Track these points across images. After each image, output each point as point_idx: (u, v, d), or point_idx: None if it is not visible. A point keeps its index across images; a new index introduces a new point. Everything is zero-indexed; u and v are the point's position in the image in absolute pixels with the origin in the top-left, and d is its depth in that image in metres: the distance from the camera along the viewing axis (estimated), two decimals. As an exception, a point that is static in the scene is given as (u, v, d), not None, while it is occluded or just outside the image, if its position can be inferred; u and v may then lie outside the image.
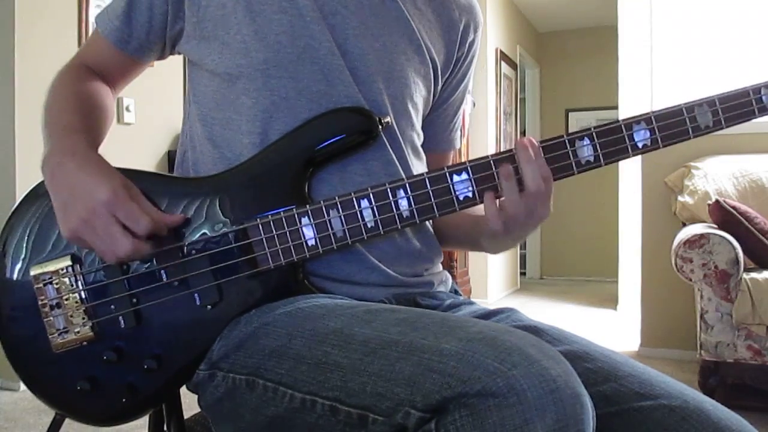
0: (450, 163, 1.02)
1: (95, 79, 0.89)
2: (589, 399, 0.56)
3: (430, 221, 0.94)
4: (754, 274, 2.36)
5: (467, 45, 0.96)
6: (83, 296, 0.76)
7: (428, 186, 0.78)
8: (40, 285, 0.76)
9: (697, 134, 0.79)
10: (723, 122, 0.79)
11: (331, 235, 0.77)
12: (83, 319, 0.76)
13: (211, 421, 0.80)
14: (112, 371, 0.76)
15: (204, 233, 0.77)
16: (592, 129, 0.78)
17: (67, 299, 0.76)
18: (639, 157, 3.31)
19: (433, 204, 0.77)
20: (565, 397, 0.53)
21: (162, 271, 0.76)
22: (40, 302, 0.76)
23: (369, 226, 0.77)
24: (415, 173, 0.86)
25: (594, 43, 6.33)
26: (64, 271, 0.76)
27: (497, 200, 0.78)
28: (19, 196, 0.81)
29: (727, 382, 2.41)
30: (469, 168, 0.78)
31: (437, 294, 0.89)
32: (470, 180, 0.77)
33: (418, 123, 0.91)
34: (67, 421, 0.82)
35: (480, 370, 0.54)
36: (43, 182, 0.78)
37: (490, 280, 5.11)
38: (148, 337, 0.76)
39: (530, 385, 0.53)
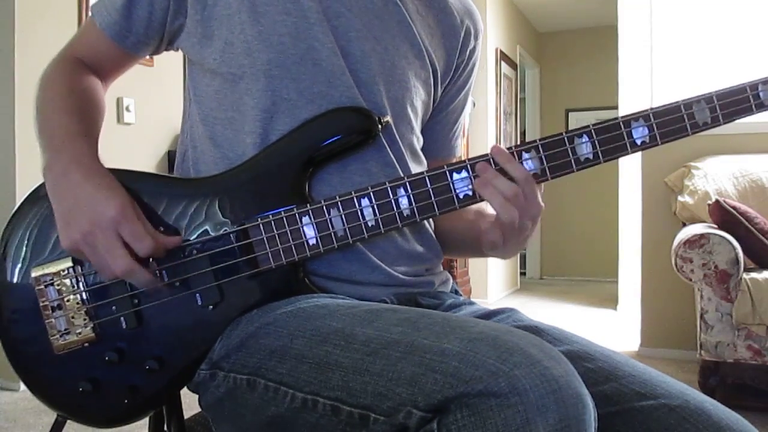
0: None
1: (88, 73, 0.88)
2: (591, 399, 0.56)
3: (433, 226, 0.94)
4: (754, 274, 2.37)
5: (468, 52, 0.96)
6: (84, 297, 0.76)
7: (428, 184, 0.78)
8: (42, 286, 0.76)
9: (696, 131, 0.79)
10: (721, 118, 0.79)
11: (332, 234, 0.77)
12: (84, 320, 0.76)
13: (212, 421, 0.80)
14: (114, 372, 0.76)
15: (205, 233, 0.77)
16: (591, 126, 0.79)
17: (68, 300, 0.76)
18: (639, 157, 3.31)
19: (434, 202, 0.78)
20: (566, 397, 0.53)
21: (163, 272, 0.76)
22: (41, 303, 0.76)
23: (370, 224, 0.77)
24: None
25: (594, 43, 6.33)
26: (66, 272, 0.76)
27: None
28: (20, 197, 0.81)
29: (727, 382, 2.41)
30: (468, 166, 0.78)
31: (438, 294, 0.89)
32: (470, 178, 0.78)
33: (417, 127, 0.91)
34: (68, 421, 0.81)
35: (482, 370, 0.54)
36: (43, 184, 0.78)
37: (490, 280, 5.11)
38: (149, 337, 0.76)
39: (532, 385, 0.53)
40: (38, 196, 0.79)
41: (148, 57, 0.92)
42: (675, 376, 0.74)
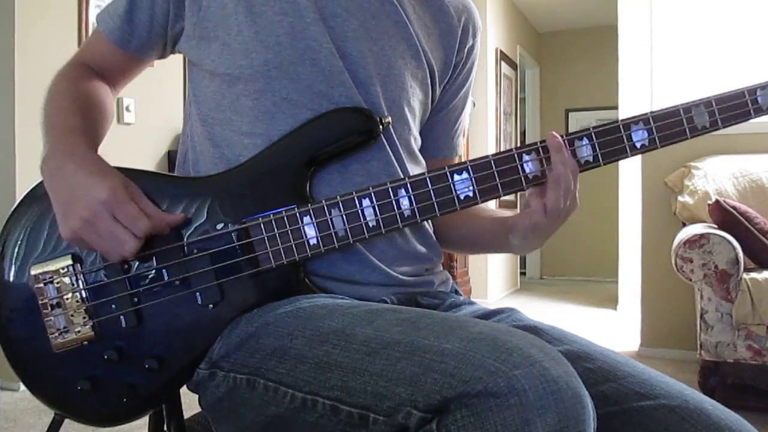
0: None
1: (95, 78, 0.89)
2: (590, 399, 0.56)
3: (433, 222, 0.94)
4: (754, 274, 2.37)
5: (466, 50, 0.96)
6: (84, 295, 0.76)
7: (429, 185, 0.78)
8: (41, 284, 0.76)
9: (695, 134, 0.80)
10: (719, 123, 0.80)
11: (333, 234, 0.77)
12: (84, 318, 0.76)
13: (212, 421, 0.80)
14: (113, 371, 0.76)
15: (205, 232, 0.77)
16: (591, 129, 0.79)
17: (67, 299, 0.76)
18: (639, 158, 3.31)
19: (434, 203, 0.78)
20: (566, 398, 0.53)
21: (163, 270, 0.76)
22: (40, 302, 0.76)
23: (371, 225, 0.77)
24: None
25: (594, 43, 6.33)
26: (65, 270, 0.76)
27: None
28: (19, 196, 0.81)
29: (727, 382, 2.41)
30: (469, 167, 0.78)
31: (438, 293, 0.89)
32: (471, 179, 0.78)
33: (415, 127, 0.91)
34: (67, 421, 0.81)
35: (481, 370, 0.54)
36: (41, 183, 0.78)
37: (490, 280, 5.11)
38: (149, 336, 0.76)
39: (531, 385, 0.53)
40: (36, 194, 0.79)
41: (156, 60, 0.93)
42: (675, 376, 0.74)
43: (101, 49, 0.89)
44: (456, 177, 0.78)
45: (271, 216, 0.77)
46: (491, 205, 0.91)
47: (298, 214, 0.77)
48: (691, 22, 3.26)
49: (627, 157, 0.80)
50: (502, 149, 0.79)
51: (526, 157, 0.78)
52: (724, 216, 2.55)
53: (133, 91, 2.92)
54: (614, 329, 4.01)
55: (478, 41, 0.99)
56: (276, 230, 0.77)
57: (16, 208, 0.80)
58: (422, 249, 0.88)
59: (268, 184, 0.79)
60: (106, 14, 0.87)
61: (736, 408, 0.72)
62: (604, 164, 0.80)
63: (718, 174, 2.88)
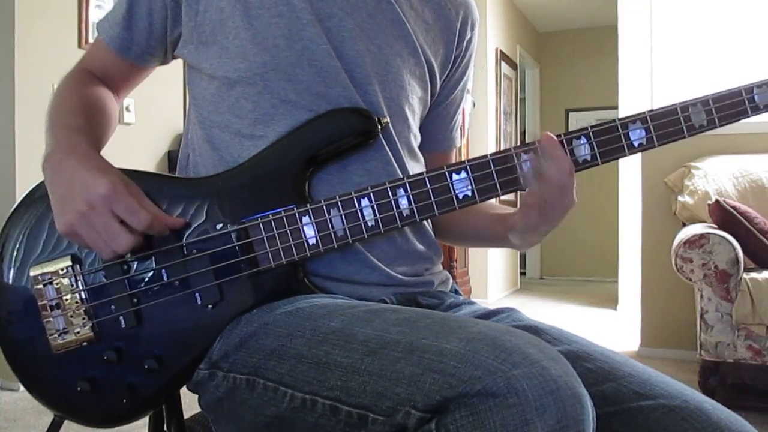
0: (451, 162, 1.02)
1: (98, 84, 0.90)
2: (590, 399, 0.56)
3: (432, 222, 0.94)
4: (754, 274, 2.37)
5: (465, 43, 0.96)
6: (83, 296, 0.76)
7: (428, 185, 0.78)
8: (40, 285, 0.76)
9: (692, 133, 0.80)
10: (716, 121, 0.80)
11: (332, 233, 0.77)
12: (83, 319, 0.76)
13: (211, 421, 0.80)
14: (113, 372, 0.76)
15: (205, 232, 0.77)
16: (589, 128, 0.79)
17: (67, 299, 0.76)
18: (639, 158, 3.32)
19: (433, 203, 0.78)
20: (565, 398, 0.53)
21: (163, 271, 0.76)
22: (39, 303, 0.76)
23: (369, 224, 0.77)
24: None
25: (594, 43, 6.34)
26: (64, 271, 0.76)
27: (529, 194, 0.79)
28: (19, 196, 0.81)
29: (727, 382, 2.41)
30: (468, 167, 0.78)
31: (438, 293, 0.89)
32: (469, 179, 0.78)
33: (415, 125, 0.91)
34: (67, 421, 0.81)
35: (480, 370, 0.54)
36: (41, 184, 0.79)
37: (490, 280, 5.11)
38: (148, 337, 0.76)
39: (530, 385, 0.53)
40: (36, 195, 0.80)
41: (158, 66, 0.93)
42: (675, 376, 0.74)
43: (103, 56, 0.90)
44: (455, 176, 0.78)
45: (270, 216, 0.77)
46: (493, 201, 0.91)
47: (297, 215, 0.77)
48: (691, 22, 3.26)
49: (625, 156, 0.80)
50: (501, 149, 0.78)
51: (524, 157, 0.78)
52: (724, 216, 2.55)
53: (133, 92, 2.91)
54: (614, 329, 4.01)
55: (476, 34, 0.99)
56: (275, 230, 0.77)
57: (15, 209, 0.80)
58: (422, 248, 0.89)
59: (267, 184, 0.79)
60: (106, 22, 0.88)
61: (736, 408, 0.72)
62: (602, 163, 0.80)
63: (718, 174, 2.88)
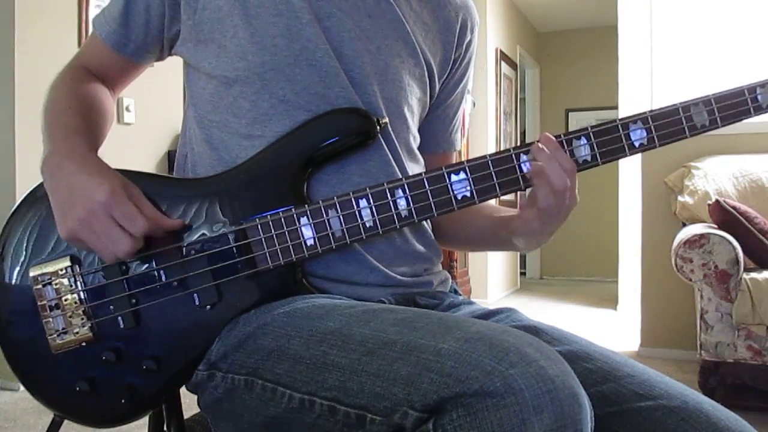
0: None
1: (94, 80, 0.90)
2: (587, 399, 0.56)
3: (435, 220, 0.94)
4: (754, 274, 2.36)
5: (464, 46, 0.96)
6: (82, 297, 0.76)
7: (426, 186, 0.78)
8: (39, 286, 0.76)
9: (694, 133, 0.79)
10: (719, 121, 0.79)
11: (330, 234, 0.77)
12: (82, 319, 0.76)
13: (211, 422, 0.80)
14: (112, 372, 0.76)
15: (203, 234, 0.77)
16: (589, 128, 0.79)
17: (66, 300, 0.76)
18: (639, 158, 3.31)
19: (431, 203, 0.78)
20: (562, 397, 0.53)
21: (161, 272, 0.76)
22: (38, 303, 0.76)
23: (367, 225, 0.77)
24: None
25: (594, 43, 6.33)
26: (63, 271, 0.76)
27: (528, 197, 0.78)
28: (19, 197, 0.81)
29: (727, 382, 2.40)
30: (467, 168, 0.78)
31: (437, 293, 0.89)
32: (468, 180, 0.78)
33: (414, 125, 0.91)
34: (67, 421, 0.81)
35: (478, 369, 0.54)
36: (41, 184, 0.78)
37: (490, 280, 5.11)
38: (147, 337, 0.76)
39: (528, 384, 0.53)
40: (36, 195, 0.79)
41: (154, 63, 0.93)
42: (675, 376, 0.74)
43: (99, 52, 0.89)
44: (453, 177, 0.78)
45: (269, 217, 0.77)
46: (493, 202, 0.91)
47: (295, 215, 0.77)
48: (691, 22, 3.26)
49: (626, 156, 0.79)
50: (501, 149, 0.78)
51: (523, 157, 0.78)
52: (724, 216, 2.55)
53: (133, 91, 2.92)
54: (614, 329, 4.01)
55: (476, 36, 0.99)
56: (273, 231, 0.77)
57: (16, 210, 0.80)
58: (421, 249, 0.88)
59: (266, 185, 0.79)
60: (103, 18, 0.87)
61: (735, 408, 0.72)
62: (603, 164, 0.80)
63: (718, 174, 2.87)
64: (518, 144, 0.80)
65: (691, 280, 2.43)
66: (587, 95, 6.51)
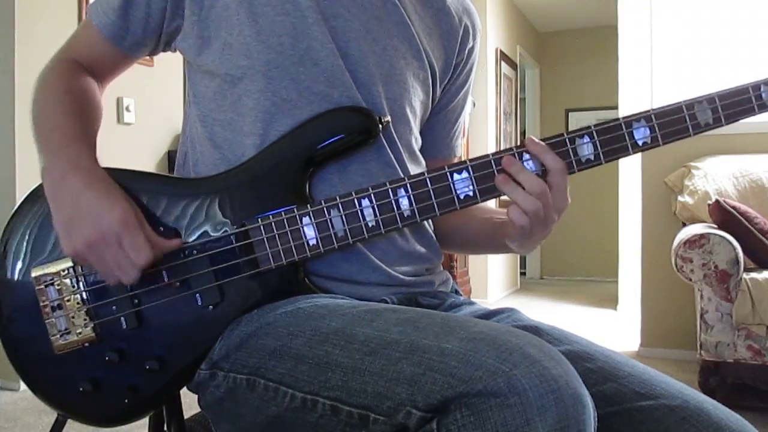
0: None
1: (85, 75, 0.87)
2: (590, 399, 0.56)
3: (433, 224, 0.94)
4: (754, 274, 2.36)
5: (466, 51, 0.96)
6: (85, 297, 0.76)
7: (429, 185, 0.78)
8: (42, 286, 0.76)
9: (697, 131, 0.79)
10: (723, 119, 0.79)
11: (333, 234, 0.77)
12: (85, 320, 0.76)
13: (212, 421, 0.80)
14: (114, 372, 0.76)
15: (205, 234, 0.77)
16: (592, 127, 0.78)
17: (68, 300, 0.76)
18: (639, 157, 3.31)
19: (434, 203, 0.78)
20: (566, 397, 0.53)
21: (163, 272, 0.76)
22: (41, 303, 0.76)
23: (370, 225, 0.77)
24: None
25: (594, 43, 6.33)
26: (66, 272, 0.76)
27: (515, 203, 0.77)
28: (20, 197, 0.81)
29: (727, 382, 2.40)
30: (469, 167, 0.78)
31: (438, 293, 0.89)
32: (471, 179, 0.78)
33: (416, 127, 0.91)
34: (69, 421, 0.81)
35: (481, 369, 0.54)
36: (43, 184, 0.78)
37: (490, 280, 5.11)
38: (149, 338, 0.76)
39: (531, 385, 0.53)
40: (38, 196, 0.79)
41: (147, 57, 0.92)
42: (675, 376, 0.74)
43: (93, 42, 0.87)
44: (456, 176, 0.78)
45: (271, 217, 0.77)
46: (491, 204, 0.91)
47: (297, 215, 0.77)
48: (691, 22, 3.26)
49: (629, 155, 0.79)
50: (501, 149, 0.78)
51: (526, 156, 0.78)
52: (724, 216, 2.55)
53: (133, 91, 2.92)
54: (614, 329, 4.01)
55: (478, 43, 0.99)
56: (275, 231, 0.77)
57: (17, 209, 0.80)
58: (422, 249, 0.88)
59: (268, 184, 0.79)
60: (100, 8, 0.85)
61: (736, 408, 0.72)
62: (606, 162, 0.79)
63: (718, 174, 2.88)
64: (518, 144, 0.79)
65: (691, 280, 2.43)
66: (587, 95, 6.51)
